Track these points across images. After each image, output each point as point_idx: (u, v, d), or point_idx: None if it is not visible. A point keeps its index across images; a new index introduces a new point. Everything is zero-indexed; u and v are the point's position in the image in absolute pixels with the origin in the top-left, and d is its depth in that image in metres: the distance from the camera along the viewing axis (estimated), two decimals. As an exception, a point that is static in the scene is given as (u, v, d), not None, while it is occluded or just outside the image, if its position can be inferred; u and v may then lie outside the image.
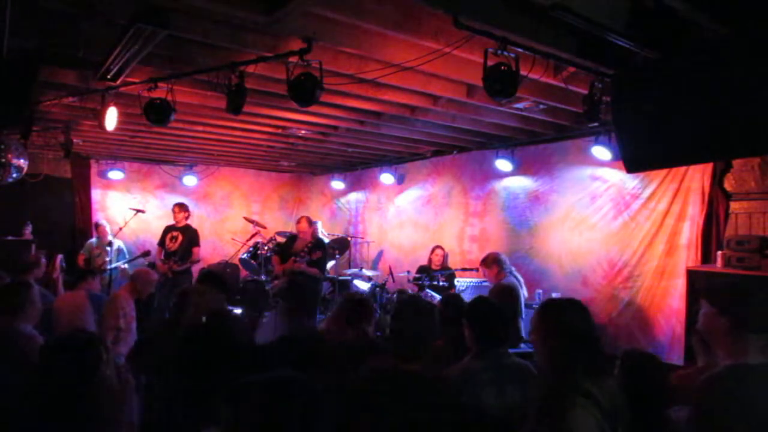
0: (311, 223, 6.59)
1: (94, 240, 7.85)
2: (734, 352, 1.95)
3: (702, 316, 2.10)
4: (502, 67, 3.29)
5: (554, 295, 5.77)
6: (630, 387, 2.28)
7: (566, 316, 2.00)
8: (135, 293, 4.58)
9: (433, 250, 7.03)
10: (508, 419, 2.29)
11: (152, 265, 7.55)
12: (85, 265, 7.49)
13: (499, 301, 3.86)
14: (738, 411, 1.81)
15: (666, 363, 4.87)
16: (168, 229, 7.45)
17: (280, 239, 8.11)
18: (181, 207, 7.49)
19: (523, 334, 5.07)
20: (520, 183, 6.87)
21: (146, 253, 7.44)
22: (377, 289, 7.18)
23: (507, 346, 2.68)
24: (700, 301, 2.17)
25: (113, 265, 7.32)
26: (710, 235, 4.92)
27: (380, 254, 9.11)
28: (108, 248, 7.57)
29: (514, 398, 2.39)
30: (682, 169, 5.14)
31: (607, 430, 1.70)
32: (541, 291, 5.99)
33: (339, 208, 10.29)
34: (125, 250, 7.90)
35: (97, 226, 7.91)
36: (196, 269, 7.59)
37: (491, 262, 5.34)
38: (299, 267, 6.06)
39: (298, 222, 6.59)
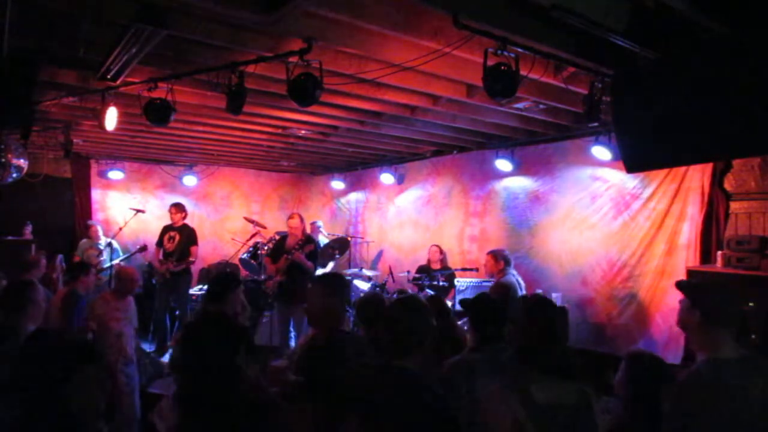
0: (302, 219, 6.55)
1: (85, 240, 7.82)
2: (706, 344, 2.09)
3: (680, 309, 2.25)
4: (502, 67, 3.29)
5: (554, 295, 5.78)
6: (636, 390, 2.28)
7: (537, 315, 2.08)
8: (119, 293, 4.53)
9: (429, 249, 7.04)
10: None
11: (151, 266, 7.56)
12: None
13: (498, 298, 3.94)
14: (713, 402, 1.93)
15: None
16: (165, 230, 7.43)
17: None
18: (178, 207, 7.47)
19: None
20: (520, 183, 6.87)
21: (143, 248, 7.42)
22: (377, 289, 7.18)
23: (504, 341, 2.72)
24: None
25: (108, 264, 7.31)
26: (710, 235, 4.92)
27: (380, 254, 9.10)
28: (102, 248, 7.55)
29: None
30: (682, 169, 5.15)
31: (527, 425, 1.77)
32: (540, 291, 5.98)
33: (339, 208, 10.29)
34: (119, 249, 7.86)
35: (89, 226, 7.87)
36: (196, 269, 7.59)
37: (500, 257, 5.40)
38: (298, 257, 6.02)
39: (290, 218, 6.49)
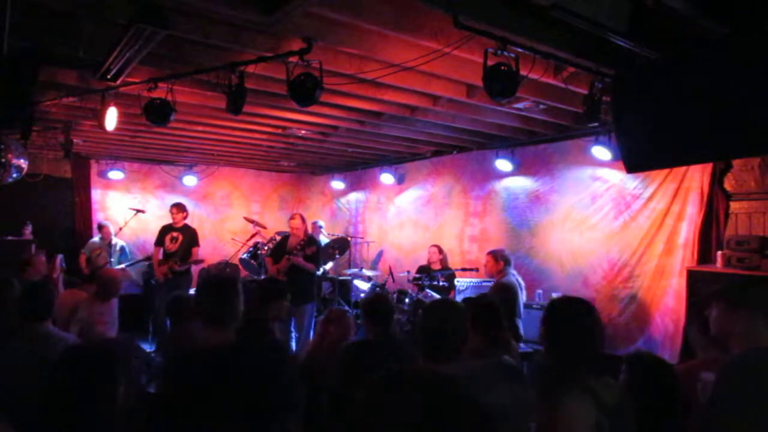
0: (304, 220, 6.57)
1: (96, 239, 7.85)
2: (748, 339, 2.07)
3: (718, 315, 2.20)
4: (502, 67, 3.29)
5: (554, 295, 5.78)
6: (640, 391, 2.26)
7: (574, 315, 2.06)
8: (101, 296, 4.45)
9: (428, 249, 7.05)
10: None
11: (151, 267, 7.57)
12: (86, 264, 7.50)
13: (499, 298, 3.92)
14: (759, 385, 1.93)
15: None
16: (166, 230, 7.40)
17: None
18: (179, 207, 7.46)
19: (522, 333, 5.08)
20: (521, 183, 6.87)
21: (149, 258, 7.44)
22: (377, 289, 7.18)
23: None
24: (709, 303, 2.27)
25: (116, 267, 7.32)
26: (709, 235, 4.93)
27: (380, 254, 9.11)
28: (110, 248, 7.57)
29: (501, 397, 2.39)
30: (682, 169, 5.15)
31: (604, 426, 1.72)
32: (541, 291, 5.99)
33: (339, 208, 10.29)
34: (127, 249, 7.91)
35: (101, 227, 7.92)
36: (195, 270, 7.58)
37: (500, 257, 5.40)
38: (297, 261, 6.04)
39: (292, 218, 6.52)
